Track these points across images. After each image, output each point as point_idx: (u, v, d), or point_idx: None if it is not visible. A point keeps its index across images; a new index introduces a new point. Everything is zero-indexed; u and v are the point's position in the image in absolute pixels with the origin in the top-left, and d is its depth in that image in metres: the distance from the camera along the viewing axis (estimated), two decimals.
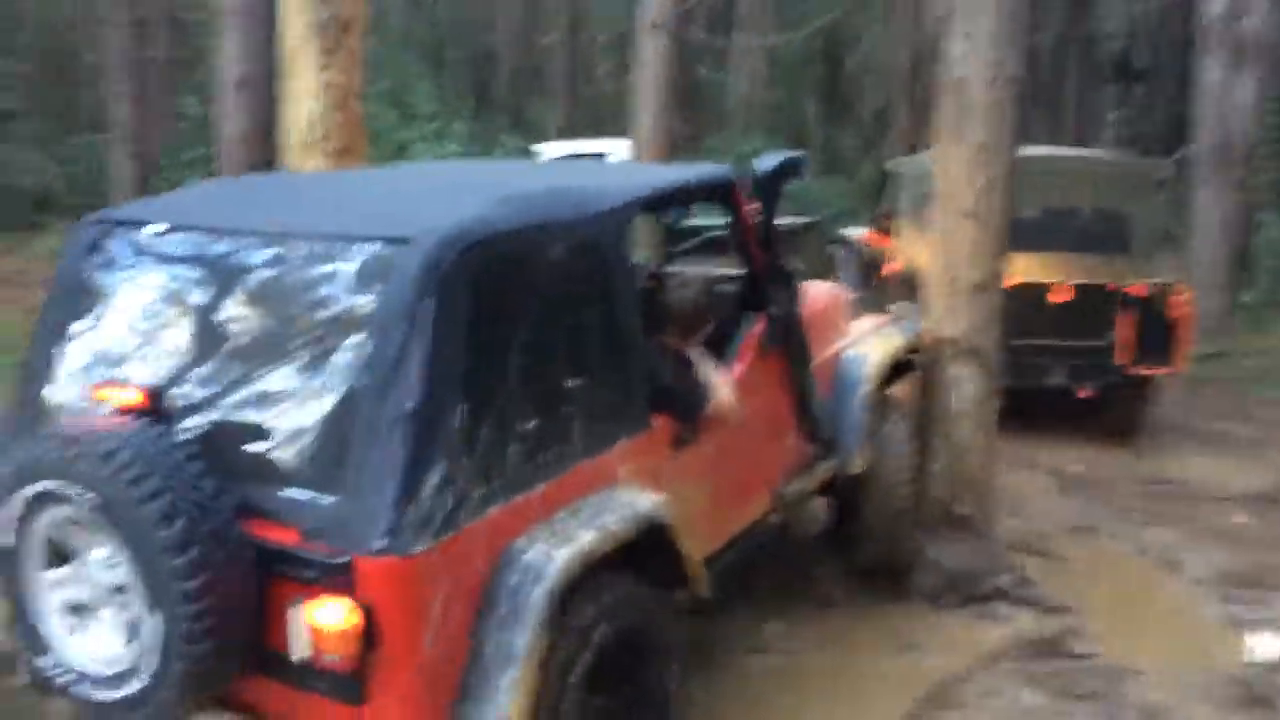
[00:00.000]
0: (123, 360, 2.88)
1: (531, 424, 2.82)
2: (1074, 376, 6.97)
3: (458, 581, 2.60)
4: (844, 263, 9.75)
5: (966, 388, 4.97)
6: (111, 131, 13.64)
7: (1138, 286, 6.85)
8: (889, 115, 16.35)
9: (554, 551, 2.71)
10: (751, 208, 3.92)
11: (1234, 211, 10.56)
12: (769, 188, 3.97)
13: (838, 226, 10.92)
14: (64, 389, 2.96)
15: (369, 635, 2.45)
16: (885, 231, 8.62)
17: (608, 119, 16.91)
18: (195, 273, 2.87)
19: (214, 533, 2.47)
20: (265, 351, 2.70)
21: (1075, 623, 4.53)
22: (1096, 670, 4.12)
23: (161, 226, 2.99)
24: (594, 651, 2.84)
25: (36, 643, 2.70)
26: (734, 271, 4.27)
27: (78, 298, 3.01)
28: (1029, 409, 7.22)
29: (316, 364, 2.63)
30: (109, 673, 2.61)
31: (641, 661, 3.09)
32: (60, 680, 2.67)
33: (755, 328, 3.97)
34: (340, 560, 2.46)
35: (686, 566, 3.19)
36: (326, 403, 2.58)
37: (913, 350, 4.90)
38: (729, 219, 3.92)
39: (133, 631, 2.57)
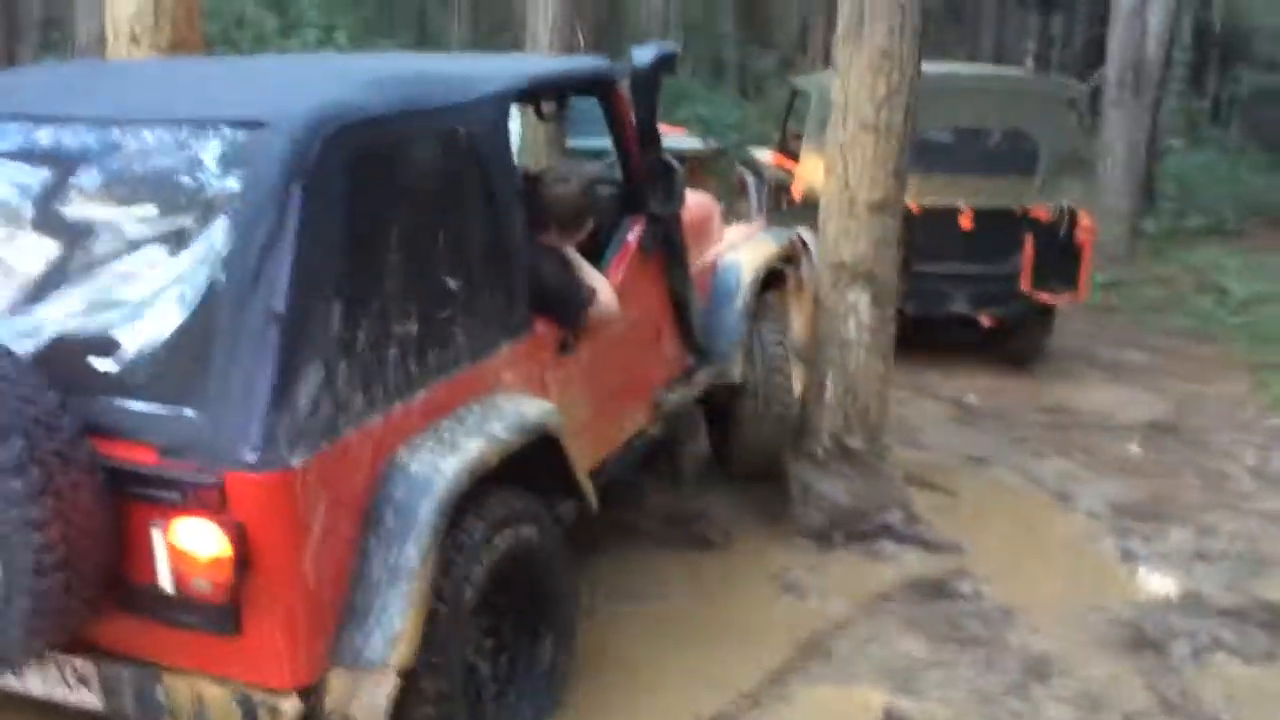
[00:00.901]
0: None
1: (411, 326, 2.63)
2: (977, 303, 6.79)
3: (337, 496, 2.40)
4: (753, 186, 9.41)
5: (861, 315, 4.71)
6: None
7: (1041, 210, 6.64)
8: (808, 36, 15.97)
9: (441, 462, 2.55)
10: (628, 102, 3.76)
11: (1142, 137, 10.46)
12: (646, 83, 3.75)
13: (750, 151, 10.57)
14: None
15: (241, 559, 2.23)
16: (792, 154, 8.29)
17: (517, 36, 16.23)
18: (21, 167, 2.55)
19: (57, 452, 2.18)
20: (108, 252, 2.43)
21: (963, 562, 4.33)
22: (982, 613, 3.92)
23: None
24: (487, 569, 2.69)
25: None
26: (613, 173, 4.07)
27: None
28: (930, 337, 7.07)
29: (167, 264, 2.37)
30: None
31: (537, 583, 2.96)
32: None
33: (634, 229, 3.83)
34: (207, 478, 2.23)
35: (574, 478, 3.07)
36: (182, 305, 2.32)
37: (786, 258, 4.87)
38: (606, 114, 3.75)
39: None
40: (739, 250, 4.64)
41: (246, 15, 11.60)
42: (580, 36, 8.52)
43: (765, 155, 9.34)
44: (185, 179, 2.43)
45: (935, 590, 4.09)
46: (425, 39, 18.24)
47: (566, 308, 3.31)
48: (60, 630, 2.32)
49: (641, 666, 3.47)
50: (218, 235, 2.35)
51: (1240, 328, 8.52)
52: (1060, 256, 6.67)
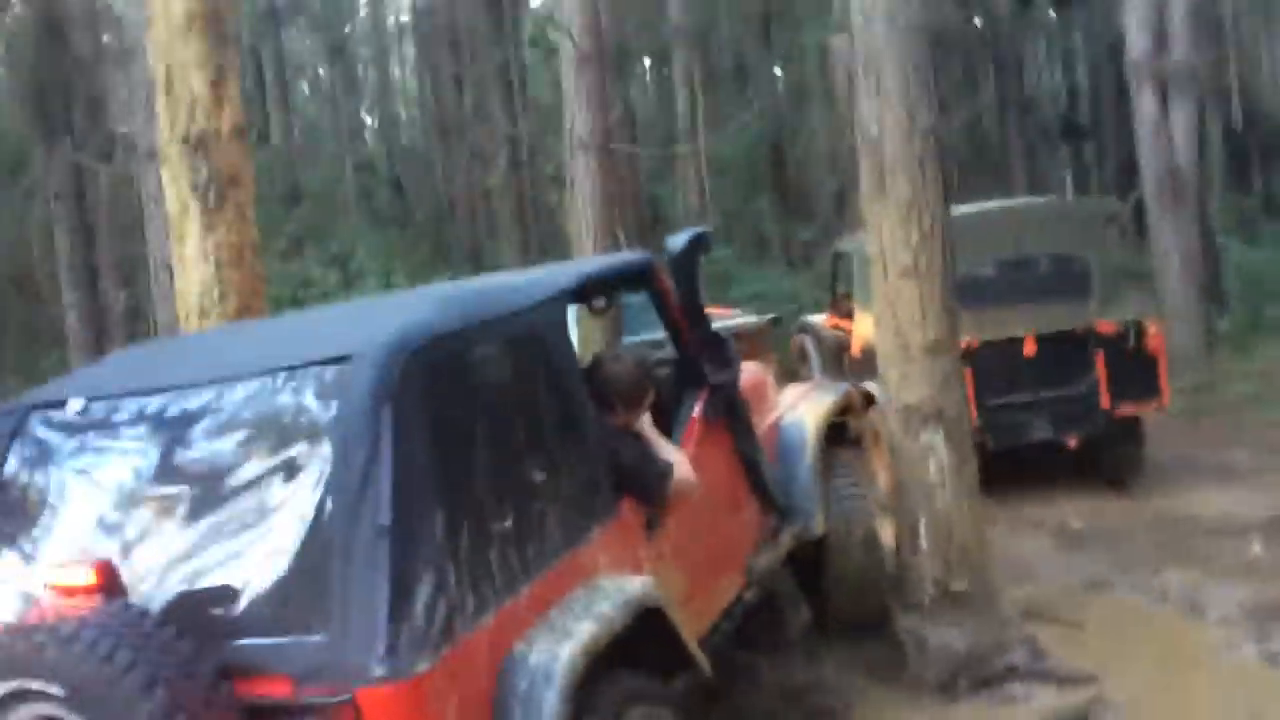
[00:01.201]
0: (68, 543, 2.70)
1: (507, 523, 2.73)
2: (1058, 427, 6.69)
3: (465, 696, 2.48)
4: (813, 351, 9.53)
5: (940, 455, 4.69)
6: (68, 346, 13.51)
7: (1106, 325, 6.63)
8: (844, 201, 16.42)
9: (557, 649, 2.61)
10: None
11: (1193, 240, 10.44)
12: (684, 263, 3.99)
13: (805, 318, 10.75)
14: (7, 587, 2.73)
15: None
16: (845, 313, 8.43)
17: (564, 252, 16.99)
18: (127, 438, 2.74)
19: (200, 698, 2.30)
20: (217, 503, 2.57)
21: (1101, 691, 4.12)
22: None
23: (79, 402, 2.85)
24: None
25: None
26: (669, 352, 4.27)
27: (6, 485, 2.84)
28: (1021, 468, 6.93)
29: (274, 503, 2.50)
30: None
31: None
32: None
33: (697, 402, 3.95)
34: (342, 698, 2.31)
35: (683, 646, 3.09)
36: (293, 539, 2.45)
37: (843, 410, 4.91)
38: (653, 299, 3.94)
39: None
40: (798, 409, 4.72)
41: (310, 276, 12.36)
42: (622, 239, 8.90)
43: (820, 319, 9.50)
44: (285, 420, 2.59)
45: None
46: (481, 269, 19.12)
47: (647, 483, 3.37)
48: None
49: None
50: (321, 465, 2.49)
51: None
52: (1135, 367, 6.61)
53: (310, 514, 2.46)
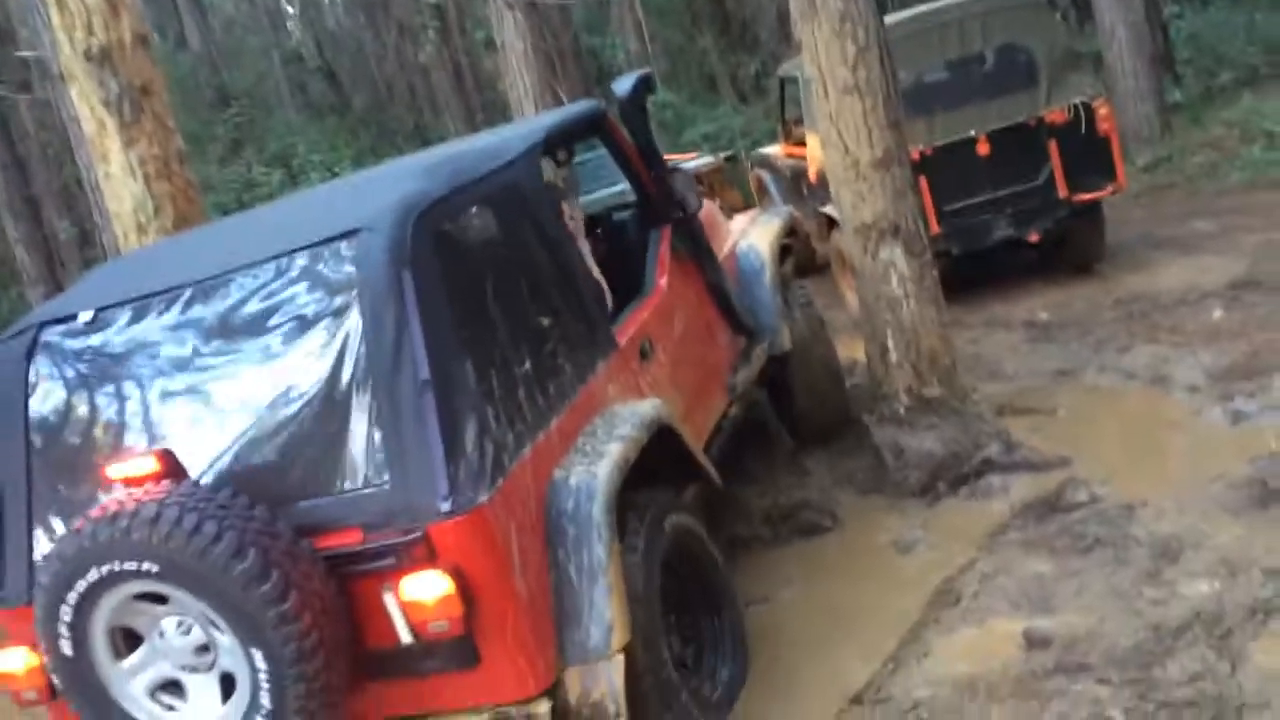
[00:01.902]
0: (114, 440, 2.84)
1: (527, 365, 2.94)
2: (1019, 223, 6.69)
3: (520, 523, 2.69)
4: (771, 182, 9.45)
5: (900, 268, 4.73)
6: (24, 281, 13.30)
7: (1056, 113, 6.56)
8: (787, 26, 15.99)
9: (594, 468, 2.86)
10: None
11: (1138, 13, 10.23)
12: (632, 107, 4.11)
13: (759, 151, 10.61)
14: (57, 490, 2.87)
15: (464, 593, 2.50)
16: (798, 140, 8.32)
17: (506, 116, 16.60)
18: (152, 338, 2.86)
19: (286, 553, 2.48)
20: (255, 380, 2.73)
21: (1073, 473, 4.27)
22: (1102, 516, 3.86)
23: (89, 313, 2.95)
24: (661, 553, 3.01)
25: None
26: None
27: (30, 405, 2.93)
28: (988, 269, 6.99)
29: (312, 375, 2.67)
30: None
31: (700, 568, 3.30)
32: None
33: (662, 239, 4.13)
34: (415, 536, 2.50)
35: (694, 457, 3.38)
36: (338, 405, 2.62)
37: (789, 232, 5.16)
38: (608, 145, 4.08)
39: (228, 684, 2.56)
40: (750, 236, 4.91)
41: (253, 178, 12.08)
42: (563, 99, 8.71)
43: (774, 150, 9.39)
44: (308, 298, 2.74)
45: (1051, 508, 4.03)
46: (428, 147, 18.71)
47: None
48: (329, 709, 2.55)
49: (783, 653, 3.50)
50: (352, 334, 2.65)
51: None
52: (1088, 152, 6.57)
53: (350, 379, 2.62)
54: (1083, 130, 6.58)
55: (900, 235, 4.70)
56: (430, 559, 2.50)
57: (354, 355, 2.64)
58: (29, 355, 2.95)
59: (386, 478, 2.56)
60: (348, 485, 2.59)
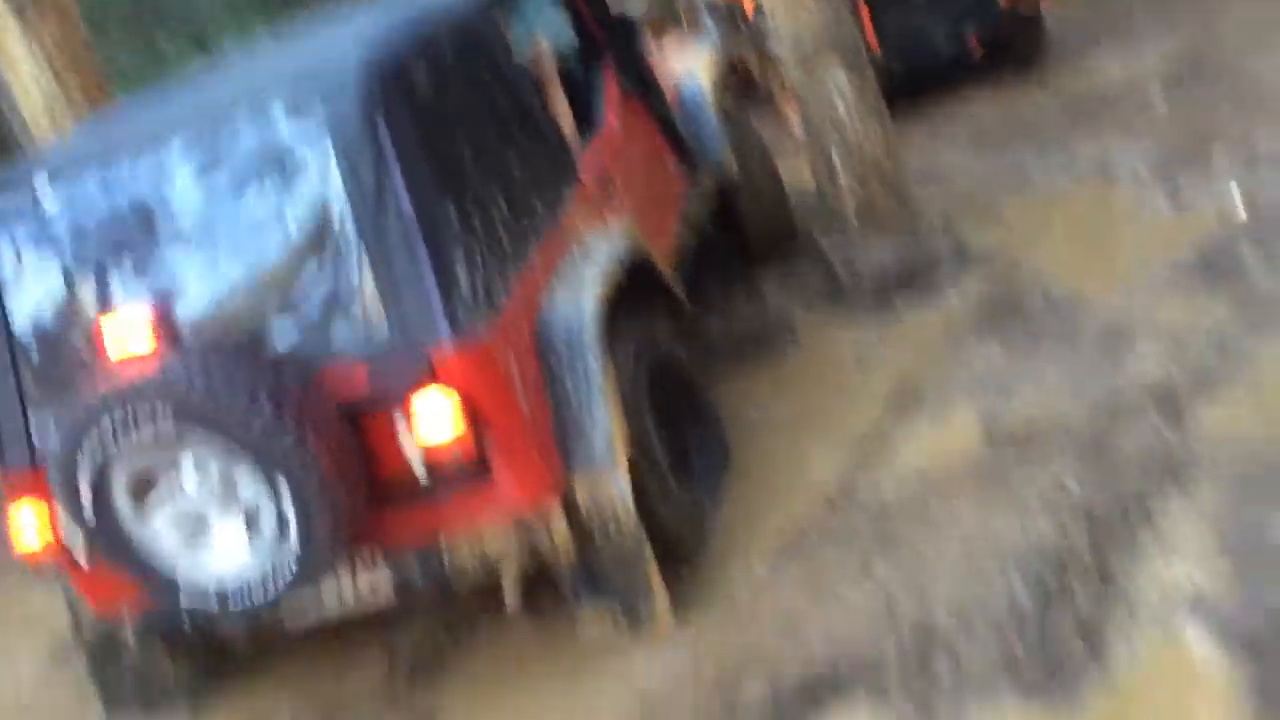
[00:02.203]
0: (102, 299, 2.86)
1: (503, 203, 3.04)
2: (960, 36, 6.57)
3: (516, 347, 2.85)
4: (709, 20, 9.19)
5: (843, 88, 4.68)
6: None
7: None
8: None
9: (580, 295, 3.01)
10: None
11: None
12: None
13: None
14: (51, 360, 2.92)
15: (471, 411, 2.64)
16: None
17: None
18: (122, 196, 2.86)
19: (296, 388, 2.61)
20: (243, 234, 2.78)
21: (1024, 271, 4.33)
22: (1054, 309, 3.95)
23: (44, 182, 2.93)
24: (645, 370, 3.17)
25: (161, 578, 2.74)
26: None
27: (5, 276, 2.94)
28: (934, 84, 6.90)
29: (295, 225, 2.73)
30: (254, 568, 2.69)
31: (684, 379, 3.49)
32: (206, 599, 2.73)
33: (609, 77, 4.20)
34: (418, 362, 2.64)
35: (663, 279, 3.54)
36: (328, 250, 2.71)
37: (731, 68, 5.31)
38: None
39: (252, 519, 2.67)
40: (689, 66, 4.94)
41: (163, 54, 11.58)
42: None
43: None
44: (288, 145, 2.75)
45: (1004, 307, 4.11)
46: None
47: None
48: (350, 530, 2.69)
49: (754, 468, 3.60)
50: (330, 182, 2.71)
51: None
52: None
53: (337, 227, 2.71)
54: None
55: (839, 52, 4.64)
56: (433, 379, 2.63)
57: (337, 204, 2.71)
58: None
59: (384, 316, 2.68)
60: (346, 329, 2.71)
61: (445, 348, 2.65)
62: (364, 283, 2.70)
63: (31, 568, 3.00)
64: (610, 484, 2.86)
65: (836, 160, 4.75)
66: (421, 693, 3.17)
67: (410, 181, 2.70)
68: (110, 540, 2.72)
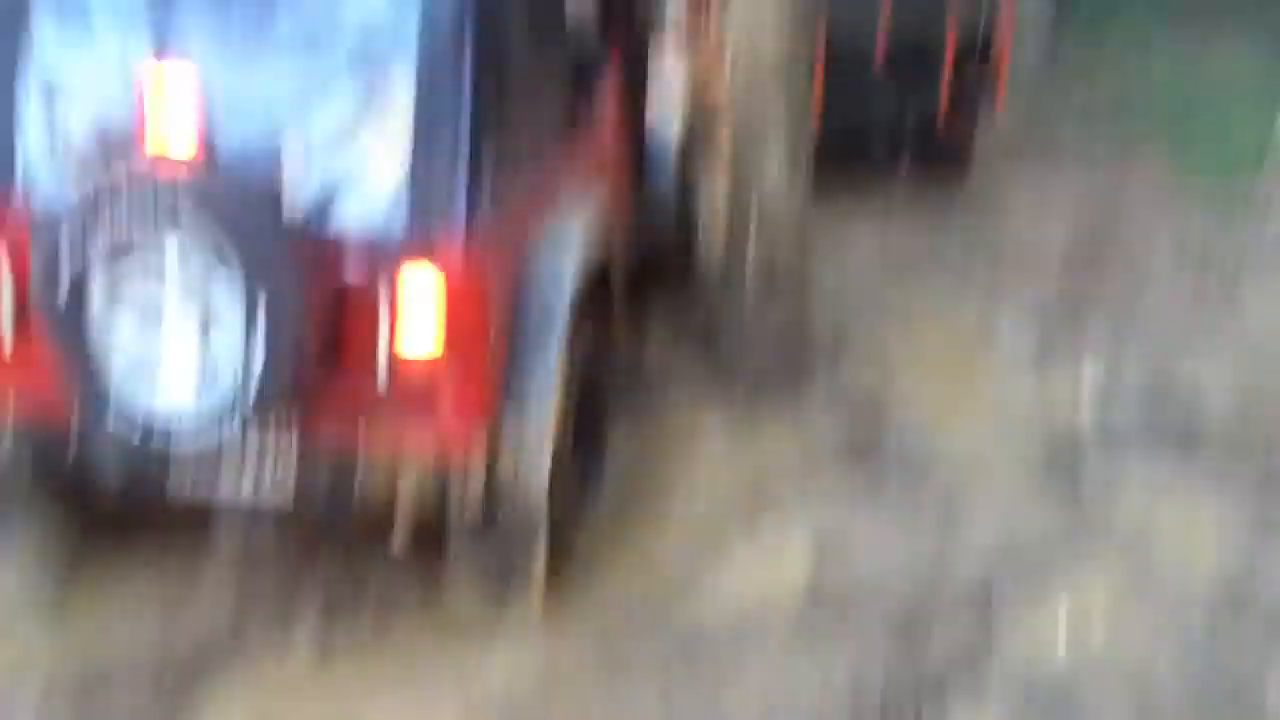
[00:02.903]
0: (142, 60, 2.80)
1: (529, 130, 3.15)
2: (897, 138, 6.67)
3: (505, 262, 2.92)
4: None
5: (779, 154, 4.71)
6: None
7: (955, 36, 6.49)
8: None
9: (568, 260, 3.10)
10: None
11: None
12: None
13: None
14: (70, 100, 2.86)
15: (452, 320, 2.70)
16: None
17: None
18: (179, 10, 2.82)
19: (313, 227, 2.70)
20: (293, 70, 2.81)
21: (889, 398, 4.46)
22: (906, 452, 4.07)
23: None
24: (583, 366, 3.21)
25: (94, 385, 2.68)
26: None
27: (30, 30, 2.86)
28: (858, 178, 6.95)
29: (355, 78, 2.78)
30: (192, 403, 2.65)
31: (599, 396, 3.53)
32: (130, 425, 2.68)
33: (615, 62, 4.25)
34: (424, 238, 2.72)
35: (615, 291, 3.66)
36: (376, 109, 2.77)
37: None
38: None
39: (212, 340, 2.64)
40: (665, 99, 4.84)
41: None
42: None
43: None
44: (362, 15, 2.81)
45: (863, 435, 4.21)
46: None
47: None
48: (296, 397, 2.70)
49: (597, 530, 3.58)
50: (405, 53, 2.77)
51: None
52: (978, 81, 6.59)
53: (392, 93, 2.77)
54: (977, 58, 6.58)
55: (786, 118, 4.67)
56: (431, 257, 2.70)
57: (402, 72, 2.77)
58: None
59: (409, 188, 2.74)
60: (372, 185, 2.76)
61: (452, 235, 2.73)
62: (400, 153, 2.76)
63: None
64: (536, 450, 2.90)
65: (751, 238, 4.79)
66: (274, 636, 3.10)
67: (477, 71, 2.79)
68: (62, 322, 2.64)
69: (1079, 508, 3.82)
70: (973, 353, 5.01)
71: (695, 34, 7.68)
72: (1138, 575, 3.49)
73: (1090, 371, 4.72)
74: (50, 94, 2.87)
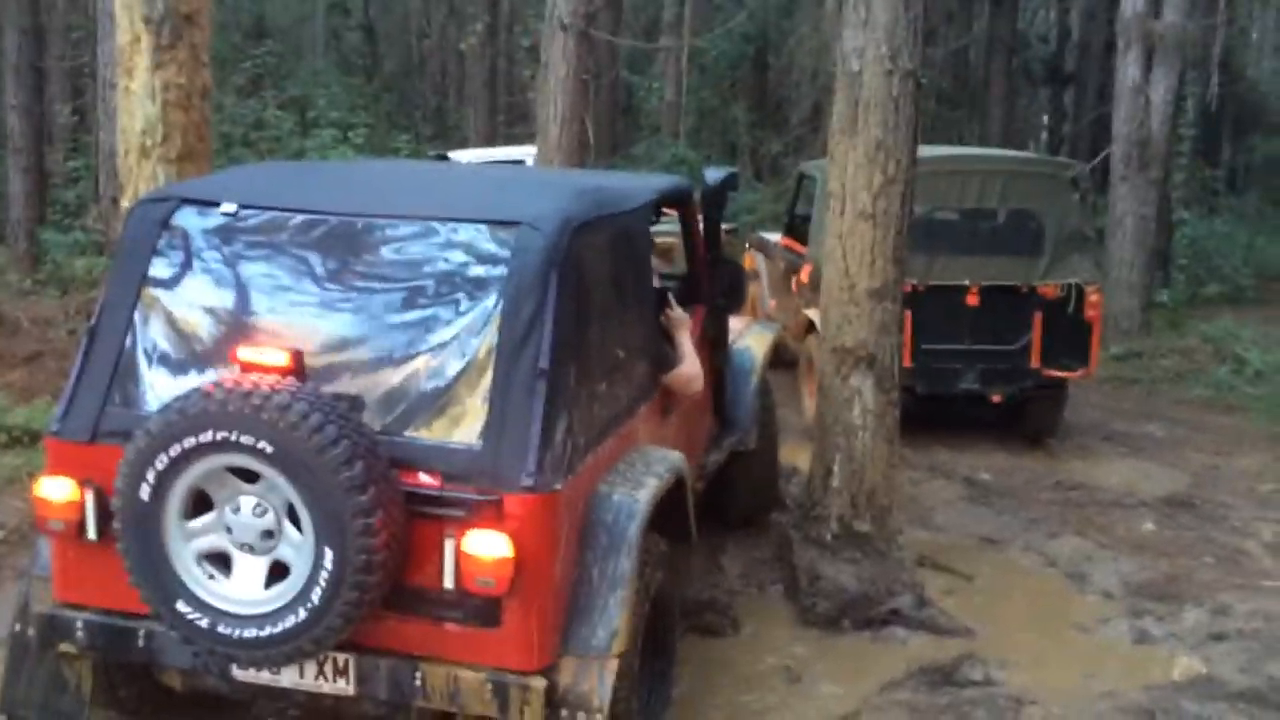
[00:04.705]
0: (232, 328, 3.00)
1: (604, 385, 3.26)
2: (987, 380, 6.81)
3: (572, 518, 2.97)
4: (764, 269, 9.53)
5: (866, 399, 4.77)
6: (7, 144, 12.99)
7: (1048, 288, 6.72)
8: (820, 116, 16.20)
9: (636, 493, 3.16)
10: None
11: (1151, 210, 10.51)
12: (715, 196, 4.58)
13: (760, 234, 10.69)
14: (164, 356, 3.03)
15: (518, 562, 2.74)
16: (800, 236, 8.42)
17: (528, 127, 16.60)
18: (293, 248, 3.05)
19: (382, 474, 2.71)
20: (385, 321, 2.96)
21: (975, 647, 4.30)
22: (991, 701, 3.88)
23: (232, 206, 3.13)
24: (654, 586, 3.26)
25: (168, 591, 2.79)
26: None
27: (154, 270, 3.09)
28: (942, 414, 7.08)
29: (443, 328, 2.92)
30: (253, 613, 2.75)
31: (668, 610, 3.52)
32: (199, 624, 2.77)
33: (697, 317, 4.51)
34: (492, 497, 2.76)
35: (690, 514, 3.66)
36: (460, 361, 2.88)
37: (776, 347, 5.54)
38: (682, 221, 4.57)
39: (276, 574, 2.77)
40: (746, 338, 5.21)
41: (264, 118, 11.90)
42: (589, 130, 8.73)
43: (775, 238, 9.47)
44: (461, 263, 2.99)
45: (944, 678, 4.05)
46: (444, 132, 18.64)
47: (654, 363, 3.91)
48: (360, 620, 2.76)
49: None
50: (492, 309, 2.92)
51: (1258, 398, 8.47)
52: (1069, 333, 6.73)
53: (479, 345, 2.89)
54: (1070, 310, 6.74)
55: (874, 368, 4.75)
56: (499, 521, 2.74)
57: (485, 326, 2.89)
58: (165, 222, 3.13)
59: (481, 440, 2.81)
60: (444, 434, 2.84)
61: (522, 494, 2.77)
62: (476, 404, 2.85)
63: (39, 525, 3.01)
64: (597, 676, 2.91)
65: (836, 466, 4.80)
66: None
67: (557, 336, 2.90)
68: (144, 537, 2.76)
69: None
70: (1064, 600, 4.85)
71: (784, 265, 8.04)
72: None
73: (1186, 646, 4.47)
74: (153, 347, 3.04)
